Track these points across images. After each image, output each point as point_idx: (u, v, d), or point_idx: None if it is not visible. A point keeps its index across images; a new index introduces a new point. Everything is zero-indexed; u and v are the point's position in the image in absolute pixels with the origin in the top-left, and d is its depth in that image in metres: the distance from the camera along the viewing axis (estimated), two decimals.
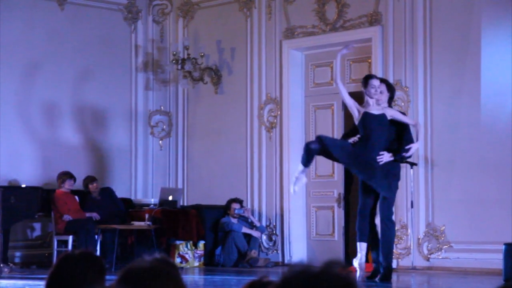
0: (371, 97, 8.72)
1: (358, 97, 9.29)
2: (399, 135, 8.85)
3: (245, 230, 11.74)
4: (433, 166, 10.65)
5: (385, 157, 8.67)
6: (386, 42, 11.08)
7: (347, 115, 10.32)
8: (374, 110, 8.71)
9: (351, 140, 8.85)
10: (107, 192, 12.03)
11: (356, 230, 8.89)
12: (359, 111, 8.73)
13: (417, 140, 8.97)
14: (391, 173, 8.84)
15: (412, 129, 8.97)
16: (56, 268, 2.82)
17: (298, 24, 11.97)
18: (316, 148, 8.81)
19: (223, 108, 12.74)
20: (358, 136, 8.82)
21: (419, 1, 10.81)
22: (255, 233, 11.76)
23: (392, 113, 8.85)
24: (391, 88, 9.07)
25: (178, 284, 2.05)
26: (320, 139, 8.87)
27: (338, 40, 11.59)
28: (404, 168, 10.47)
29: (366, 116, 8.67)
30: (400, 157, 8.97)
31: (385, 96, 8.92)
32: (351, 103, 8.79)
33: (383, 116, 8.72)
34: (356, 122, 8.76)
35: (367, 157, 8.66)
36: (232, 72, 12.71)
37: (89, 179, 11.81)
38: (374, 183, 8.67)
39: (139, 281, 2.02)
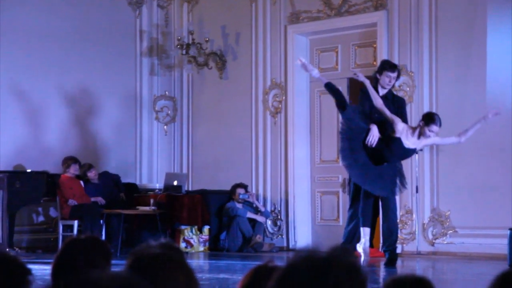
0: (427, 135, 8.64)
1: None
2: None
3: (250, 215, 11.75)
4: (438, 151, 10.64)
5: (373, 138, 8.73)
6: (392, 27, 11.05)
7: (353, 101, 10.29)
8: (409, 143, 8.62)
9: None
10: (106, 176, 12.03)
11: (359, 215, 8.91)
12: (396, 131, 8.68)
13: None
14: (397, 170, 8.88)
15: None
16: (62, 253, 2.82)
17: (303, 9, 11.94)
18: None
19: (228, 93, 12.73)
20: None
21: None
22: (260, 218, 11.77)
23: (433, 141, 8.80)
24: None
25: (187, 270, 2.06)
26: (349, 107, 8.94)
27: (343, 25, 11.58)
28: None
29: (397, 142, 8.61)
30: None
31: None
32: (392, 118, 8.76)
33: (413, 150, 8.74)
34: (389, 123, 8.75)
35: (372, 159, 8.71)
36: (237, 57, 12.69)
37: (86, 167, 11.76)
38: (373, 186, 8.74)
39: (150, 269, 2.02)
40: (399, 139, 8.59)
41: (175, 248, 2.25)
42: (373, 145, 8.65)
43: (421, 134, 8.60)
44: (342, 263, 1.66)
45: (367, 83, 8.81)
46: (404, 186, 8.98)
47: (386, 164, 8.75)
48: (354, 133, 8.80)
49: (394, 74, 9.02)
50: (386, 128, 8.77)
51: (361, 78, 8.87)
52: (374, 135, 8.69)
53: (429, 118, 8.62)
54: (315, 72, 9.38)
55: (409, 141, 8.62)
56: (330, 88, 9.14)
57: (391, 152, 8.66)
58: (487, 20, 10.33)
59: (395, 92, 10.73)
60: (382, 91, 9.00)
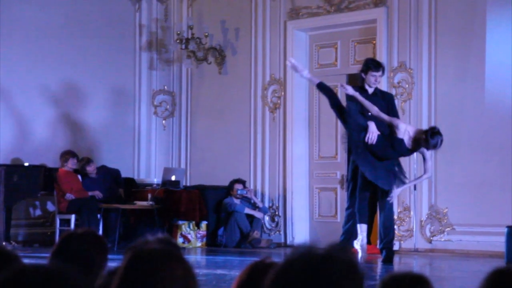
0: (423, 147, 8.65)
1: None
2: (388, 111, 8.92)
3: (248, 211, 11.74)
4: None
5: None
6: (391, 24, 11.04)
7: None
8: (409, 145, 8.64)
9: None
10: (104, 170, 12.01)
11: (356, 212, 8.92)
12: (397, 132, 8.65)
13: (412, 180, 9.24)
14: (397, 165, 8.89)
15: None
16: (59, 247, 2.82)
17: (303, 5, 11.93)
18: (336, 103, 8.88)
19: (227, 89, 12.72)
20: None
21: None
22: (257, 214, 11.76)
23: (425, 151, 8.72)
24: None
25: (186, 265, 2.05)
26: (347, 108, 8.89)
27: (342, 21, 11.56)
28: None
29: (400, 142, 8.61)
30: None
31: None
32: (390, 121, 8.75)
33: (413, 151, 8.74)
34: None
35: (374, 153, 8.71)
36: (236, 52, 12.68)
37: (84, 161, 11.74)
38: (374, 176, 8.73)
39: (147, 264, 2.01)
40: (402, 140, 8.59)
41: (172, 243, 2.25)
42: (374, 142, 8.65)
43: (419, 145, 8.55)
44: (340, 260, 1.65)
45: (357, 95, 8.82)
46: (405, 176, 9.00)
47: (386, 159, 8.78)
48: (359, 129, 8.80)
49: (379, 73, 9.06)
50: (384, 125, 8.77)
51: (350, 91, 8.83)
52: (373, 132, 8.69)
53: (432, 138, 8.42)
54: (306, 73, 9.39)
55: (408, 143, 8.63)
56: (323, 88, 9.15)
57: (394, 150, 8.67)
58: (487, 18, 10.32)
59: (393, 89, 10.77)
60: (370, 89, 9.06)
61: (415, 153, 10.41)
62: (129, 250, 2.12)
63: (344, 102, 9.12)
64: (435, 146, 8.47)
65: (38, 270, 1.46)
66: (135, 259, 2.05)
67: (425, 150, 8.69)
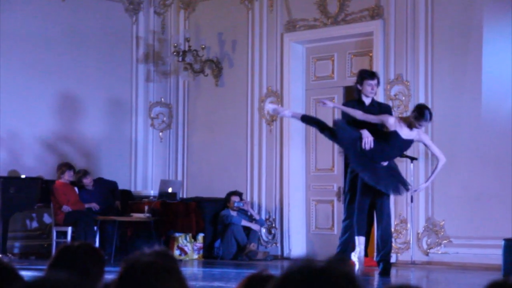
0: (417, 127, 8.68)
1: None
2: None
3: (245, 223, 11.73)
4: (433, 160, 10.63)
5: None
6: (388, 36, 11.06)
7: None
8: (405, 134, 8.69)
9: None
10: (100, 183, 12.01)
11: (354, 224, 8.92)
12: (389, 126, 8.71)
13: (432, 173, 9.23)
14: (396, 171, 8.90)
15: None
16: (55, 260, 2.81)
17: (300, 17, 11.95)
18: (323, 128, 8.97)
19: (224, 101, 12.72)
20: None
21: None
22: (254, 226, 11.75)
23: (423, 138, 8.85)
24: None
25: (180, 278, 2.04)
26: (334, 124, 8.94)
27: (339, 34, 11.58)
28: (404, 162, 10.47)
29: (394, 135, 8.66)
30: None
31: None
32: (379, 119, 8.80)
33: (410, 141, 8.78)
34: (384, 128, 8.79)
35: (374, 159, 8.70)
36: (233, 64, 12.69)
37: (81, 173, 11.73)
38: (379, 184, 8.71)
39: (142, 276, 2.01)
40: (395, 132, 8.65)
41: (169, 256, 2.24)
42: (372, 147, 8.68)
43: (412, 126, 8.67)
44: (339, 273, 1.64)
45: (338, 106, 9.10)
46: (405, 181, 9.02)
47: (386, 166, 8.77)
48: (353, 142, 8.81)
49: (375, 81, 9.12)
50: (377, 128, 8.81)
51: (330, 104, 9.21)
52: (368, 137, 8.73)
53: (420, 114, 8.64)
54: (287, 112, 9.68)
55: (403, 132, 8.69)
56: (307, 119, 9.43)
57: (393, 146, 8.70)
58: (483, 30, 10.34)
59: (390, 101, 10.77)
60: (367, 100, 9.07)
61: (411, 164, 10.44)
62: (124, 262, 2.12)
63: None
64: (426, 119, 8.67)
65: (42, 284, 1.45)
66: (129, 271, 2.05)
67: (422, 137, 8.83)
